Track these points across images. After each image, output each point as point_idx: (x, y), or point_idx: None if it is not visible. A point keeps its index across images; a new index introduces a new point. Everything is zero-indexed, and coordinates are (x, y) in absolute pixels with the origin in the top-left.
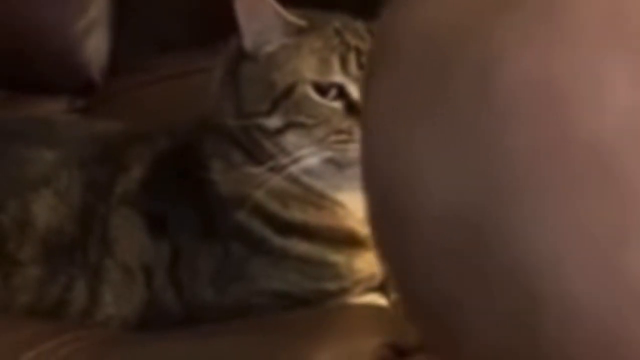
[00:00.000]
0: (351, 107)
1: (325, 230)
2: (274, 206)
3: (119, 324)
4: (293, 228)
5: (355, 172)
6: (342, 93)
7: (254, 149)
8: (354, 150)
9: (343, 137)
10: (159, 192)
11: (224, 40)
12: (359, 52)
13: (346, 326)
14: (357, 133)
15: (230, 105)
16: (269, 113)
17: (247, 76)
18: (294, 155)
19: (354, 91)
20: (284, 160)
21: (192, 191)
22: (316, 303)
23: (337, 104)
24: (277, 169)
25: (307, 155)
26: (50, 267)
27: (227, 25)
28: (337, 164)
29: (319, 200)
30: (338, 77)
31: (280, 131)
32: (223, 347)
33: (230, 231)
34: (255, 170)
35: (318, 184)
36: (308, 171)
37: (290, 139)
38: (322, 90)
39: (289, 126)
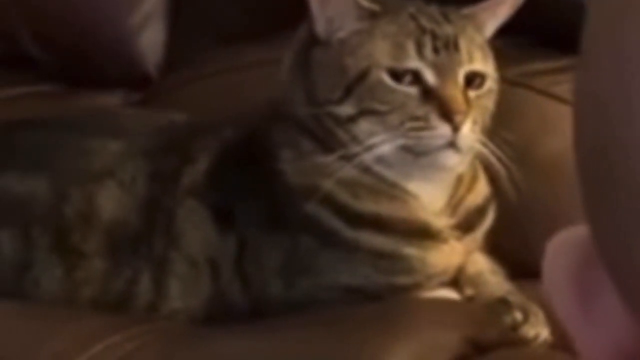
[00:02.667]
0: (427, 93)
1: (398, 222)
2: (345, 196)
3: (184, 318)
4: (364, 219)
5: (430, 161)
6: (417, 78)
7: (325, 137)
8: (429, 137)
9: (419, 124)
10: (226, 183)
11: (284, 32)
12: (434, 36)
13: (423, 320)
14: (433, 119)
15: (301, 93)
16: (341, 100)
17: (319, 62)
18: (367, 143)
19: (430, 77)
20: (356, 149)
21: (260, 182)
22: (388, 298)
23: (413, 90)
24: (348, 158)
25: (380, 143)
26: (115, 259)
27: (288, 16)
28: (412, 153)
29: (391, 190)
30: (413, 63)
31: (352, 118)
32: (293, 342)
33: (299, 223)
34: (325, 159)
35: (391, 174)
36: (381, 160)
37: (363, 126)
38: (396, 76)
39: (362, 113)
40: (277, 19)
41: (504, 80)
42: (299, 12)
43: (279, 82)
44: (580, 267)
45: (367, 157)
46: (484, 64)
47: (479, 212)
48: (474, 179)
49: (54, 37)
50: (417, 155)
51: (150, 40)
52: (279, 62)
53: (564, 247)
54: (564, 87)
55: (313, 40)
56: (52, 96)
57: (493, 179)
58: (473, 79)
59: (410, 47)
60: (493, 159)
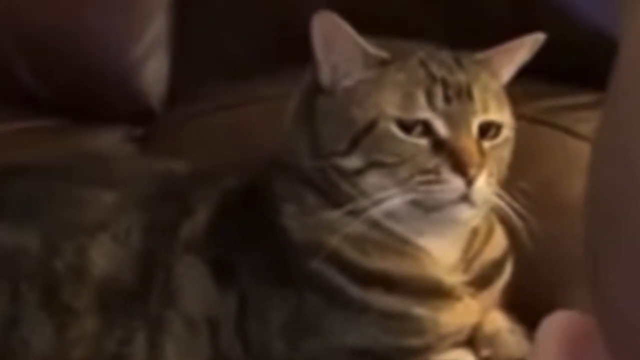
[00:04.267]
0: (438, 145)
1: (408, 280)
2: (352, 253)
3: None
4: (373, 277)
5: (442, 215)
6: (428, 129)
7: (331, 191)
8: (441, 191)
9: (429, 177)
10: (226, 237)
11: (293, 66)
12: (445, 84)
13: None
14: (445, 172)
15: (305, 143)
16: (347, 152)
17: (324, 112)
18: (375, 197)
19: (440, 127)
20: (364, 203)
21: (262, 237)
22: None
23: (423, 141)
24: (355, 213)
25: (389, 197)
26: (108, 318)
27: (298, 49)
28: (422, 207)
29: (401, 246)
30: (423, 113)
31: (359, 171)
32: None
33: (304, 280)
34: (331, 214)
35: (400, 229)
36: (390, 215)
37: (371, 179)
38: (406, 127)
39: (369, 166)
40: (285, 52)
41: (524, 118)
42: (308, 45)
43: (284, 126)
44: (573, 340)
45: (376, 212)
46: (499, 112)
47: (496, 267)
48: (489, 232)
49: (54, 71)
50: (428, 209)
51: (154, 73)
52: (287, 97)
53: (559, 322)
54: (587, 125)
55: (317, 88)
56: (52, 131)
57: (510, 231)
58: (488, 129)
59: (420, 97)
60: (510, 211)
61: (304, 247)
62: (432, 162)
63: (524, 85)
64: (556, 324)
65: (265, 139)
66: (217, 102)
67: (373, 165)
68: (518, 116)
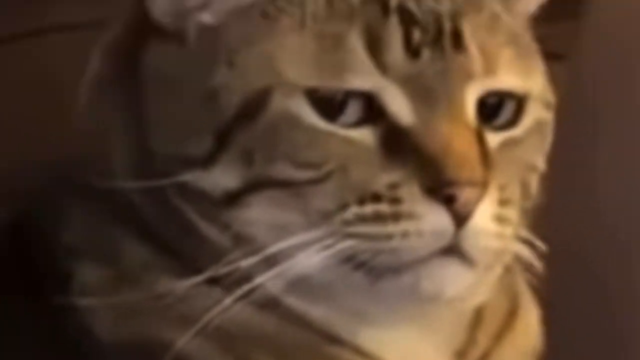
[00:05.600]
0: (395, 141)
1: None
2: None
3: None
4: None
5: (408, 285)
6: (372, 111)
7: (175, 238)
8: (402, 237)
9: (379, 208)
10: None
11: None
12: (407, 19)
13: None
14: (409, 198)
15: (121, 144)
16: (209, 160)
17: (160, 76)
18: (267, 251)
19: (398, 105)
20: (245, 262)
21: (34, 335)
22: None
23: (365, 134)
24: (226, 283)
25: (296, 251)
26: None
27: None
28: (367, 271)
29: (321, 348)
30: (363, 79)
31: (234, 198)
32: None
33: None
34: (176, 285)
35: (321, 315)
36: (299, 286)
37: (257, 214)
38: (328, 106)
39: (253, 187)
40: None
41: None
42: None
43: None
44: None
45: (269, 281)
46: (519, 74)
47: None
48: (511, 315)
49: None
50: (377, 275)
51: None
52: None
53: None
54: None
55: (146, 30)
56: None
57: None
58: (497, 108)
59: (357, 46)
60: (538, 264)
61: (119, 350)
62: (385, 176)
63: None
64: None
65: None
66: (5, 31)
67: (261, 185)
68: None
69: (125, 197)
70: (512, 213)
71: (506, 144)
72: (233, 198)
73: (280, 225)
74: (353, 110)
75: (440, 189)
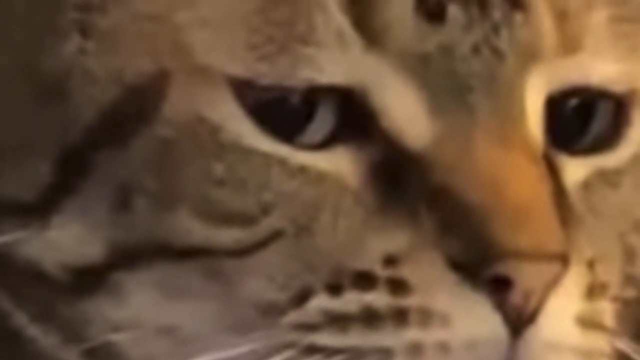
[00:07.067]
0: (395, 170)
1: None
2: None
3: None
4: None
5: None
6: (353, 117)
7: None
8: (411, 355)
9: (372, 298)
10: None
11: None
12: None
13: None
14: (423, 278)
15: None
16: (48, 206)
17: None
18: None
19: (404, 107)
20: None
21: None
22: None
23: (341, 159)
24: None
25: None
26: None
27: None
28: None
29: None
30: (339, 63)
31: (91, 279)
32: None
33: None
34: None
35: None
36: None
37: (136, 308)
38: (273, 109)
39: (131, 259)
40: None
41: None
42: None
43: None
44: None
45: None
46: (623, 56)
47: None
48: None
49: None
50: None
51: None
52: None
53: None
54: None
55: None
56: None
57: None
58: (584, 115)
59: (329, 2)
60: None
61: None
62: (379, 241)
63: None
64: None
65: None
66: None
67: (144, 256)
68: None
69: None
70: (608, 309)
71: (597, 181)
72: (89, 279)
73: (176, 331)
74: (321, 120)
75: (483, 266)
